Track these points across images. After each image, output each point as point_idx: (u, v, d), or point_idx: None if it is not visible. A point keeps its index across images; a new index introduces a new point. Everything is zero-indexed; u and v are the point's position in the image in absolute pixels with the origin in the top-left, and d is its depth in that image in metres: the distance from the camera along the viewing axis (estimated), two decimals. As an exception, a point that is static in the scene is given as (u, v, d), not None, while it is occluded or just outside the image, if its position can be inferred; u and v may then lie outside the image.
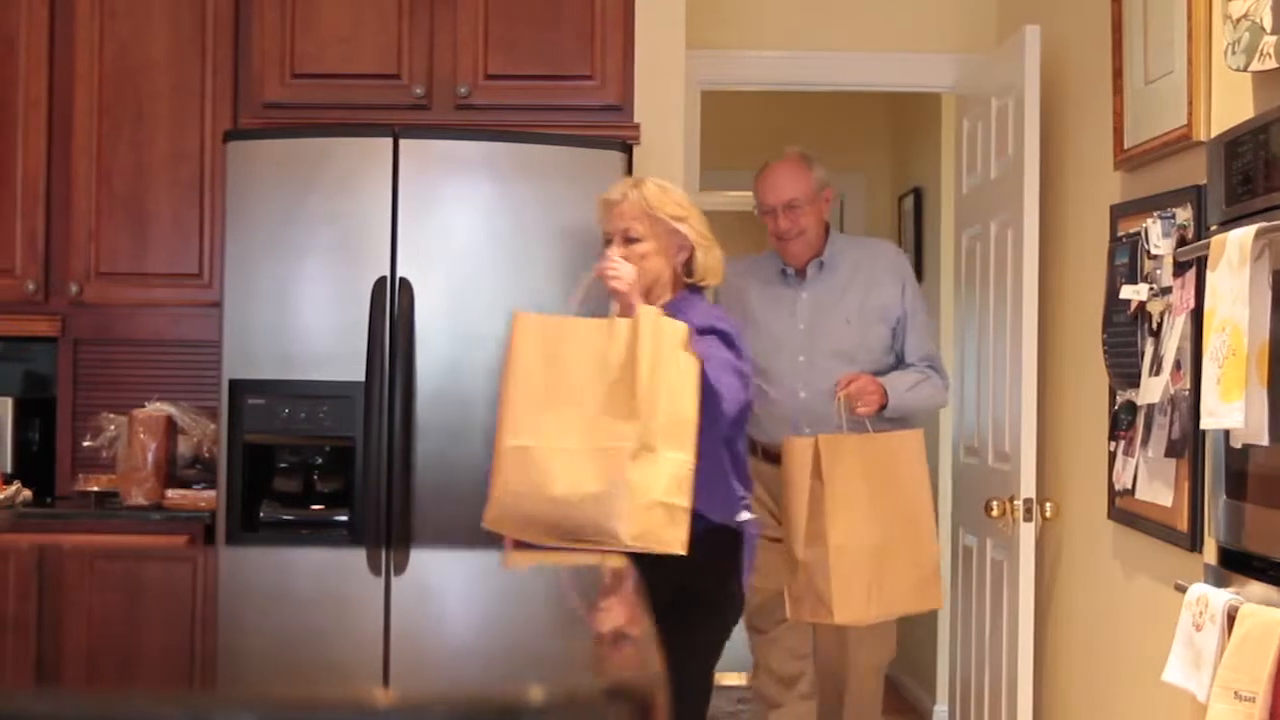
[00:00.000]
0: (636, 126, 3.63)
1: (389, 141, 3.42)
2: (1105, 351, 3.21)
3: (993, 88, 3.87)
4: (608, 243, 3.04)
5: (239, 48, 3.75)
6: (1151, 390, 2.93)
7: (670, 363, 2.71)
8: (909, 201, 5.81)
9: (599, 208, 3.11)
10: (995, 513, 3.62)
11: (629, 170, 3.53)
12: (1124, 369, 3.12)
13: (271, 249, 3.44)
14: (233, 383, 3.42)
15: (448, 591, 1.30)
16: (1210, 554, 2.71)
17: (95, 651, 1.10)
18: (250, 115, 3.67)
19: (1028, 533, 3.55)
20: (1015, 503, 3.58)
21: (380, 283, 3.38)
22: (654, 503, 2.66)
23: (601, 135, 3.53)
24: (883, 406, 3.58)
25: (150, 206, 3.75)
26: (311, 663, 0.94)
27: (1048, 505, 3.59)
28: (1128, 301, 3.06)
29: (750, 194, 5.07)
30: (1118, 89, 3.21)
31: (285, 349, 3.42)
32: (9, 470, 3.72)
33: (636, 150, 3.60)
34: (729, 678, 5.31)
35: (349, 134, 3.48)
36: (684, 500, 2.69)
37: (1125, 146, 3.18)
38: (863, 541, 3.36)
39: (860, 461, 3.42)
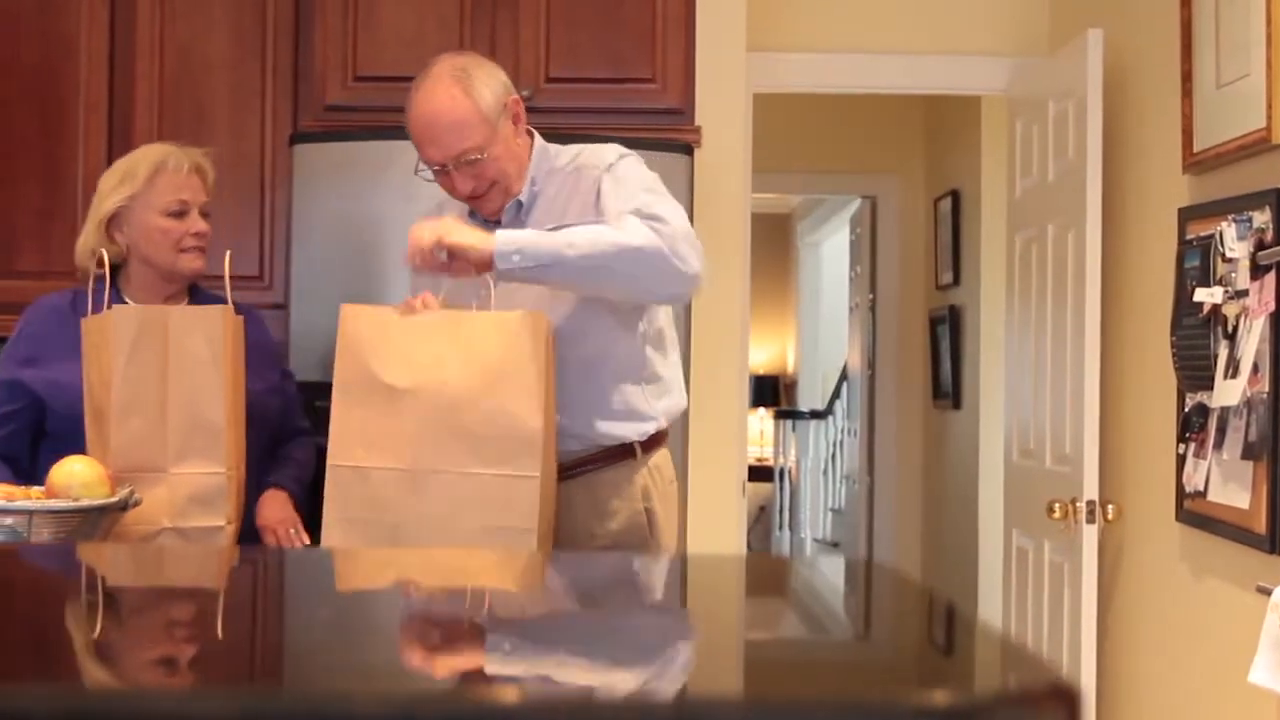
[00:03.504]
0: (698, 129, 3.64)
1: (455, 144, 3.43)
2: (1174, 354, 3.22)
3: (1050, 91, 3.87)
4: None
5: (299, 50, 3.75)
6: (1228, 393, 2.94)
7: None
8: (945, 204, 5.82)
9: None
10: (1057, 515, 3.63)
11: (692, 174, 3.54)
12: (1195, 371, 3.13)
13: (337, 251, 3.46)
14: (298, 385, 3.42)
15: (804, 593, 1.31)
16: (1291, 556, 2.72)
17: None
18: (311, 118, 3.68)
19: (1090, 535, 3.56)
20: (1077, 505, 3.59)
21: (447, 285, 3.38)
22: None
23: (663, 138, 3.54)
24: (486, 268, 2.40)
25: (210, 209, 3.75)
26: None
27: (1109, 507, 3.60)
28: (1199, 304, 3.07)
29: (769, 195, 4.79)
30: (1187, 92, 3.22)
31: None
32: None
33: (698, 153, 3.61)
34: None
35: (414, 136, 3.48)
36: None
37: (1195, 150, 3.19)
38: None
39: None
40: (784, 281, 10.04)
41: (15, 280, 3.74)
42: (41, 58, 3.75)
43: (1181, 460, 3.22)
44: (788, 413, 9.07)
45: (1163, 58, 3.39)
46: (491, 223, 2.63)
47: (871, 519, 6.36)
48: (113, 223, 2.68)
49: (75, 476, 2.06)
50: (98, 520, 2.07)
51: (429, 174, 2.59)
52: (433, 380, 2.37)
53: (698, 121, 3.65)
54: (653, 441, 2.62)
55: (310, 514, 2.92)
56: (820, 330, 9.44)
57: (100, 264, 2.68)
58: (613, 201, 2.47)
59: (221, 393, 2.36)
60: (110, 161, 3.74)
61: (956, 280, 5.70)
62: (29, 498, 2.04)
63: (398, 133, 3.52)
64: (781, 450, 8.87)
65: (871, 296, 6.47)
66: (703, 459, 3.66)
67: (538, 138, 2.66)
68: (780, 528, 8.77)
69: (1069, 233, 3.71)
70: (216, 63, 3.76)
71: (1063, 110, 3.78)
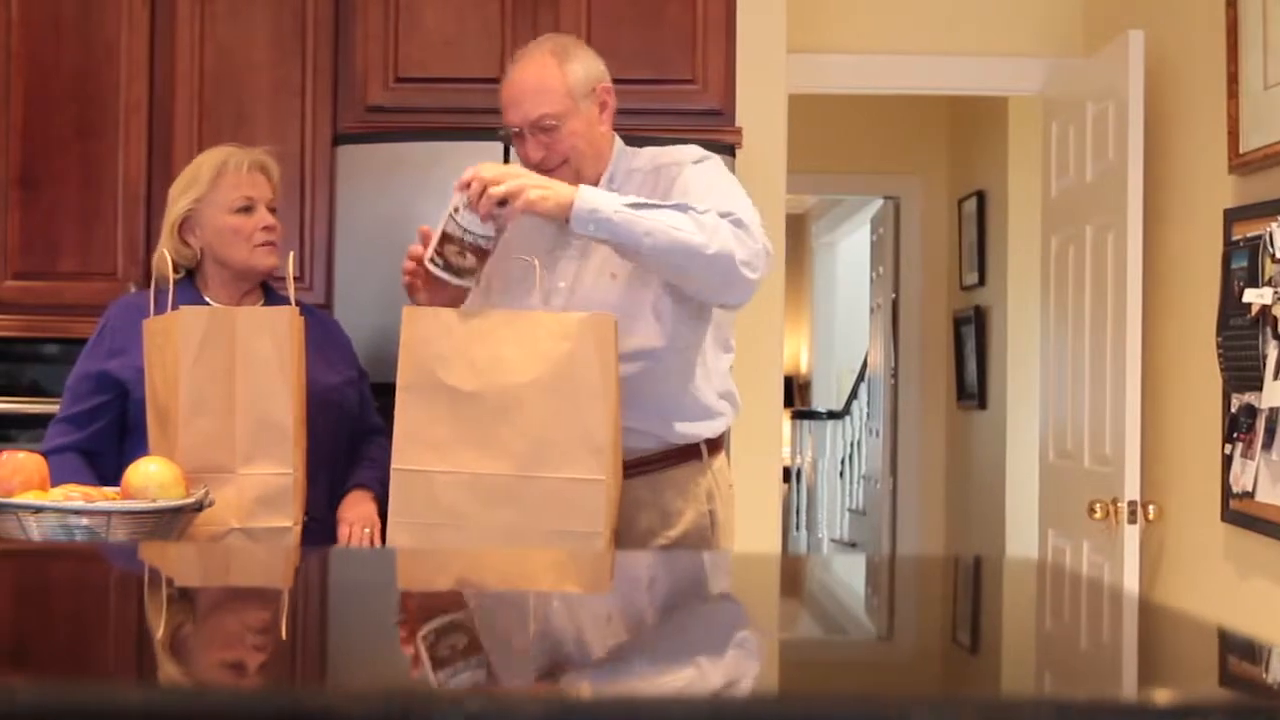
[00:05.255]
0: (739, 130, 3.64)
1: (499, 146, 3.44)
2: (1220, 354, 3.23)
3: (1088, 91, 3.88)
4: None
5: (339, 51, 3.75)
6: (1278, 393, 2.95)
7: None
8: (970, 204, 5.83)
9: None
10: (1098, 515, 3.63)
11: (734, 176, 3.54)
12: (1242, 372, 3.14)
13: (381, 252, 3.46)
14: (344, 385, 3.43)
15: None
16: (1345, 556, 2.73)
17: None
18: (352, 119, 3.68)
19: (1132, 535, 3.56)
20: (1118, 505, 3.59)
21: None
22: None
23: (704, 139, 3.54)
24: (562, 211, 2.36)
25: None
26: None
27: (1150, 507, 3.60)
28: (1248, 305, 3.07)
29: (797, 196, 4.73)
30: (1232, 93, 3.23)
31: (395, 352, 3.43)
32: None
33: (738, 154, 3.61)
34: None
35: (459, 138, 3.50)
36: None
37: (1241, 151, 3.19)
38: None
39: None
40: (798, 282, 10.04)
41: (56, 281, 3.75)
42: (82, 60, 3.75)
43: (1228, 460, 3.22)
44: (805, 413, 9.07)
45: (1206, 59, 3.40)
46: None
47: (895, 519, 6.36)
48: (184, 227, 2.72)
49: (152, 478, 2.06)
50: (173, 521, 2.07)
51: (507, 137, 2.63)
52: (497, 383, 2.37)
53: (738, 123, 3.65)
54: (716, 443, 2.63)
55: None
56: (835, 331, 9.45)
57: (175, 269, 2.71)
58: (701, 196, 2.45)
59: (289, 394, 2.37)
60: (151, 164, 3.77)
61: (982, 281, 5.70)
62: (105, 498, 2.05)
63: (441, 134, 3.57)
64: (798, 451, 8.88)
65: (894, 297, 6.47)
66: (741, 459, 3.66)
67: (618, 139, 2.69)
68: (797, 528, 8.78)
69: (1109, 233, 3.71)
70: (257, 64, 3.76)
71: (1102, 111, 3.78)
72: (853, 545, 8.00)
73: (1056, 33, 4.35)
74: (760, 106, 3.76)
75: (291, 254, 2.61)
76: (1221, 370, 3.23)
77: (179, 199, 2.71)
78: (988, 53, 4.40)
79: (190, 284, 2.75)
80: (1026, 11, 4.38)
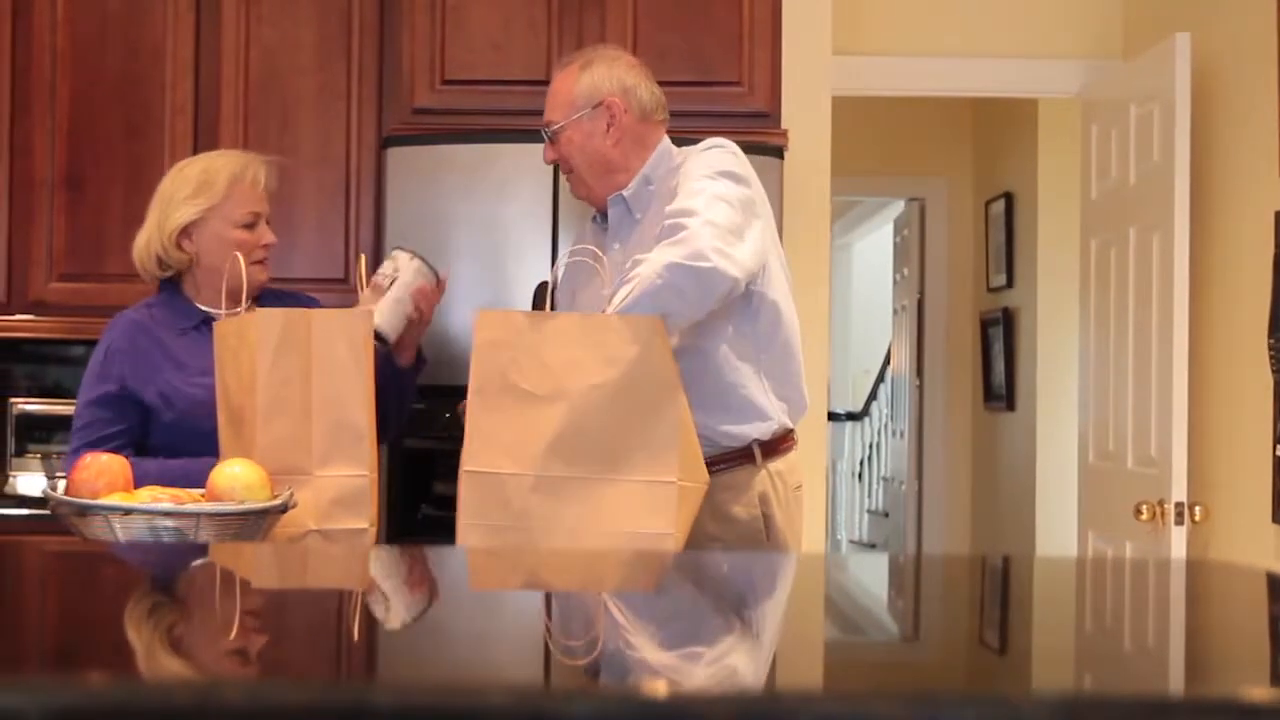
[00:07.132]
0: (785, 133, 3.64)
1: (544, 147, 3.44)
2: (1272, 356, 3.24)
3: (1132, 94, 3.89)
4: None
5: (384, 53, 3.76)
6: (1336, 395, 2.96)
7: None
8: (997, 206, 5.83)
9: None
10: (1145, 516, 3.64)
11: (781, 178, 3.55)
12: (1295, 374, 3.14)
13: (429, 253, 3.44)
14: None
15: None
16: (1405, 557, 2.73)
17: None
18: (398, 121, 3.68)
19: (1179, 536, 3.57)
20: (1165, 506, 3.60)
21: (541, 288, 3.39)
22: None
23: (750, 141, 3.54)
24: None
25: (295, 211, 3.75)
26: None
27: (1196, 509, 3.61)
28: (1301, 307, 3.08)
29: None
30: (1284, 96, 3.24)
31: (446, 354, 3.44)
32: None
33: (786, 156, 3.62)
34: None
35: (505, 140, 3.50)
36: None
37: (1292, 153, 3.20)
38: None
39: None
40: (813, 283, 10.04)
41: (103, 284, 3.75)
42: (127, 62, 3.75)
43: (1279, 462, 3.23)
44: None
45: (1255, 61, 3.41)
46: (601, 215, 2.74)
47: (920, 521, 6.37)
48: (183, 231, 2.68)
49: (238, 480, 2.07)
50: (258, 523, 2.07)
51: None
52: (568, 385, 2.36)
53: (784, 125, 3.66)
54: (775, 446, 2.61)
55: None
56: (851, 333, 9.45)
57: (163, 267, 2.72)
58: (683, 183, 2.51)
59: (364, 396, 2.37)
60: (196, 166, 3.77)
61: (1010, 283, 5.71)
62: (191, 500, 2.05)
63: (488, 136, 3.57)
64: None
65: (919, 298, 6.48)
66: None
67: (665, 141, 2.70)
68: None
69: (1154, 235, 3.72)
70: (302, 66, 3.76)
71: (1146, 114, 3.79)
72: (872, 546, 8.01)
73: (1095, 35, 4.35)
74: (805, 109, 3.76)
75: (364, 256, 2.61)
76: (1273, 371, 3.24)
77: (185, 204, 2.66)
78: (1025, 55, 4.41)
79: (177, 290, 2.74)
80: (1065, 14, 4.39)
